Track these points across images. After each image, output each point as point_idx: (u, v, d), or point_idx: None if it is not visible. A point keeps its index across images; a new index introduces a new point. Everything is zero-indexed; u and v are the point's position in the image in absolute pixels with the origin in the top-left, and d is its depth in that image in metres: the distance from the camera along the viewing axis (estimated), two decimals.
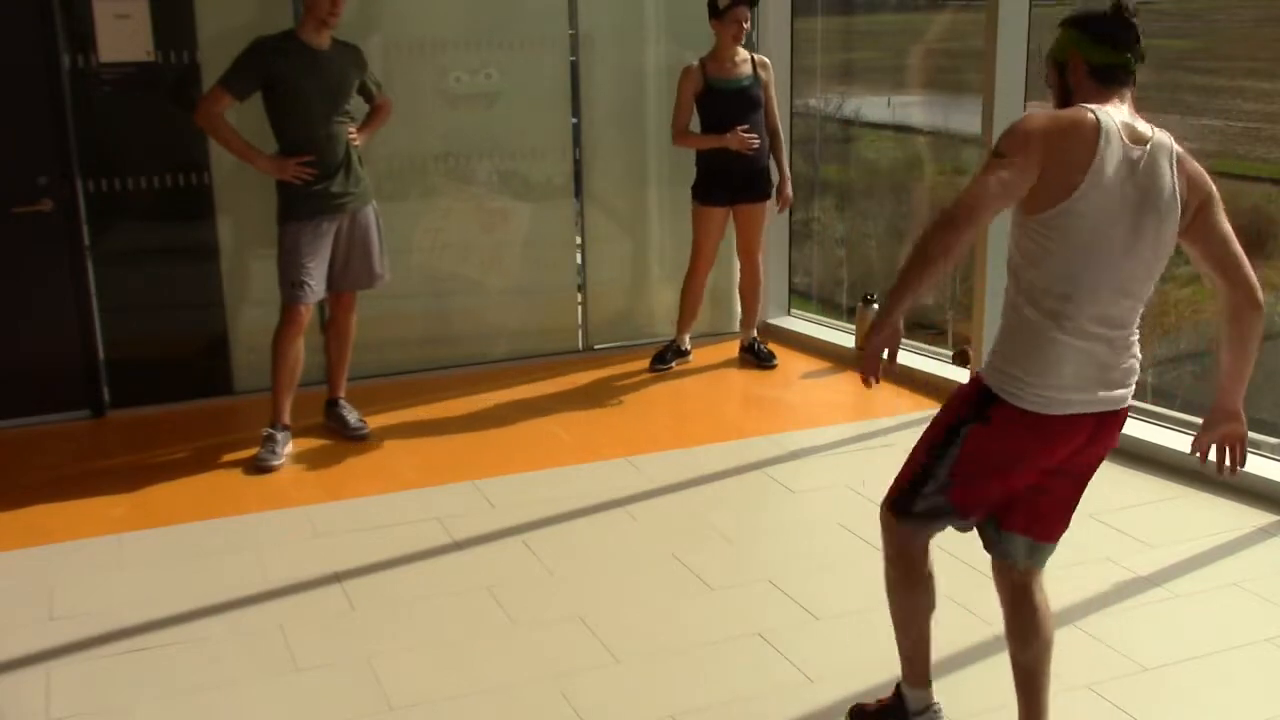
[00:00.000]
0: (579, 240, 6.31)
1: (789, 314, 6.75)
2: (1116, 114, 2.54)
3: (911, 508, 2.76)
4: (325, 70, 4.73)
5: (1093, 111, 2.52)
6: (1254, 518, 4.16)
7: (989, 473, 2.67)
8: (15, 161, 5.10)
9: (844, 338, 6.30)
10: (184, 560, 4.02)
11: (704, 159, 5.82)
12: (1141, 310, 2.64)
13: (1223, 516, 4.20)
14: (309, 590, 3.78)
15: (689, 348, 6.15)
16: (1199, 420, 4.77)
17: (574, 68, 6.08)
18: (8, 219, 5.10)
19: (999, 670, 2.99)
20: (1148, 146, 2.52)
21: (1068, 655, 3.27)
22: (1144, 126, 2.55)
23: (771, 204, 5.93)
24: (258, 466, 4.75)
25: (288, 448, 4.89)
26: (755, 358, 6.13)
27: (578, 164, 6.20)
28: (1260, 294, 2.60)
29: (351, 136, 4.85)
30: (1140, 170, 2.51)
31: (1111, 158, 2.48)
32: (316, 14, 4.66)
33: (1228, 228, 2.61)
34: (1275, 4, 5.86)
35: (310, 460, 4.90)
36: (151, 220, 5.48)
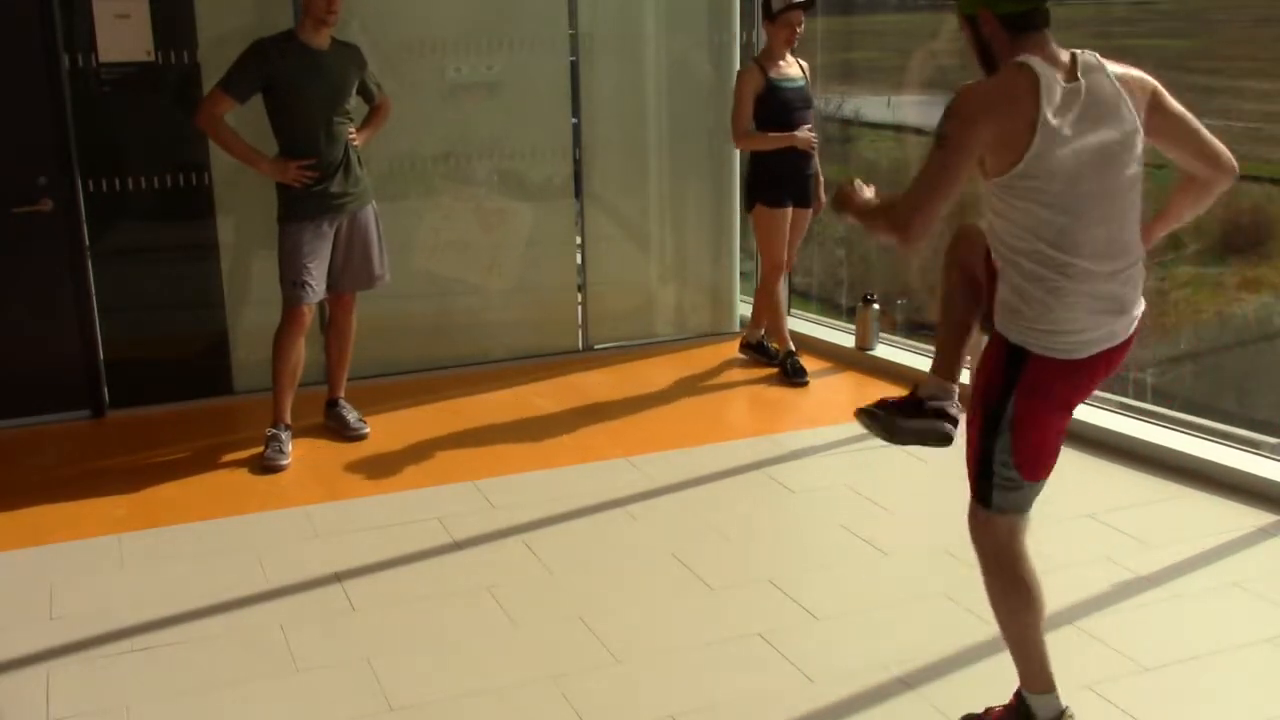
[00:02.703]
0: (579, 240, 6.31)
1: (789, 314, 6.74)
2: (1043, 59, 2.52)
3: (991, 496, 2.71)
4: (325, 70, 4.73)
5: (1022, 65, 2.51)
6: (1254, 518, 4.16)
7: (1046, 428, 2.68)
8: (15, 161, 5.10)
9: (844, 338, 6.30)
10: (184, 560, 4.02)
11: (767, 161, 5.65)
12: (1139, 231, 2.66)
13: (1223, 516, 4.20)
14: (309, 590, 3.78)
15: (775, 346, 6.05)
16: (1200, 420, 4.80)
17: (574, 68, 6.08)
18: (8, 219, 5.10)
19: (999, 670, 2.99)
20: (1080, 75, 2.53)
21: (1068, 655, 3.27)
22: (1066, 57, 2.55)
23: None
24: (266, 466, 4.75)
25: (289, 447, 4.90)
26: (787, 375, 5.83)
27: (578, 164, 6.20)
28: (1234, 161, 2.71)
29: (351, 137, 4.85)
30: (1085, 99, 2.52)
31: (1054, 101, 2.48)
32: (314, 14, 4.65)
33: (1183, 110, 2.67)
34: (1275, 4, 5.86)
35: (310, 460, 4.89)
36: (151, 220, 5.49)
